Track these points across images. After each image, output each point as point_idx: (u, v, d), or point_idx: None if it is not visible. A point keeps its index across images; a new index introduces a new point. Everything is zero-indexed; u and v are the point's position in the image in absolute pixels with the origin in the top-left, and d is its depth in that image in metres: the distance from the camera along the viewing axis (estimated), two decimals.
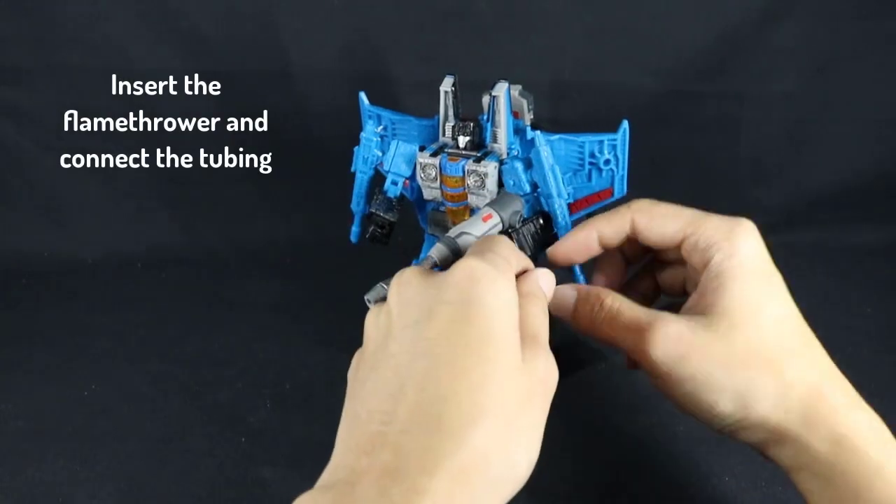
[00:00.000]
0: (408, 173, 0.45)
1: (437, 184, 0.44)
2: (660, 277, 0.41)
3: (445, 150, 0.43)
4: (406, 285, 0.29)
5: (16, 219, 0.76)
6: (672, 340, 0.32)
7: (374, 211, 0.46)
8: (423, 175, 0.44)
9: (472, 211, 0.45)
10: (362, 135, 0.47)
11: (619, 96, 0.74)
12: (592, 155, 0.41)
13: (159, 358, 0.59)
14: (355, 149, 0.47)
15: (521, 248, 0.40)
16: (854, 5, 0.70)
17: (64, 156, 0.75)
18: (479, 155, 0.42)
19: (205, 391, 0.55)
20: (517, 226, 0.41)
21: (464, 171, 0.43)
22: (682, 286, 0.38)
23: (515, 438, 0.26)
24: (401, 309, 0.29)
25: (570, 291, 0.37)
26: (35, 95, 0.72)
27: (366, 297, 0.33)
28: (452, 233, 0.38)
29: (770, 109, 0.75)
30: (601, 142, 0.41)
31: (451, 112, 0.43)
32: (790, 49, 0.72)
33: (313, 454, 0.49)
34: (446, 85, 0.43)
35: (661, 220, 0.35)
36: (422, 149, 0.44)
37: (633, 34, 0.72)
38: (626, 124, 0.41)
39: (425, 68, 0.72)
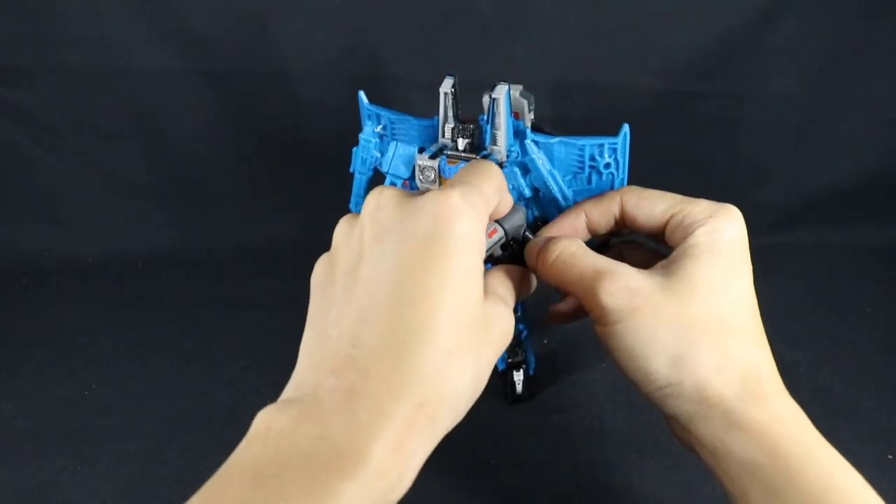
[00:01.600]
0: (406, 175, 0.45)
1: (437, 186, 0.44)
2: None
3: (445, 152, 0.43)
4: (383, 209, 0.29)
5: (16, 219, 0.76)
6: (628, 291, 0.32)
7: None
8: (421, 177, 0.43)
9: None
10: (361, 135, 0.47)
11: (619, 96, 0.74)
12: (592, 158, 0.41)
13: (159, 358, 0.59)
14: (354, 149, 0.47)
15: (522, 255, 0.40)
16: (854, 5, 0.70)
17: (64, 156, 0.75)
18: (478, 157, 0.42)
19: (205, 391, 0.55)
20: (520, 237, 0.40)
21: None
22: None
23: (474, 376, 0.28)
24: (375, 231, 0.29)
25: (538, 241, 0.37)
26: (35, 95, 0.72)
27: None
28: None
29: (770, 109, 0.75)
30: (601, 145, 0.41)
31: (450, 113, 0.43)
32: (790, 49, 0.72)
33: None
34: (446, 86, 0.42)
35: (649, 202, 0.36)
36: (421, 150, 0.44)
37: (633, 34, 0.72)
38: (626, 128, 0.40)
39: (425, 68, 0.72)
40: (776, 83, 0.74)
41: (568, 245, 0.35)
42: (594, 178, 0.42)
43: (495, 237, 0.38)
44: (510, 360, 0.53)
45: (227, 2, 0.69)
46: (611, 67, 0.73)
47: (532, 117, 0.43)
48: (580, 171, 0.42)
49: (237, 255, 0.74)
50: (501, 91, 0.40)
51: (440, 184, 0.43)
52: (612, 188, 0.41)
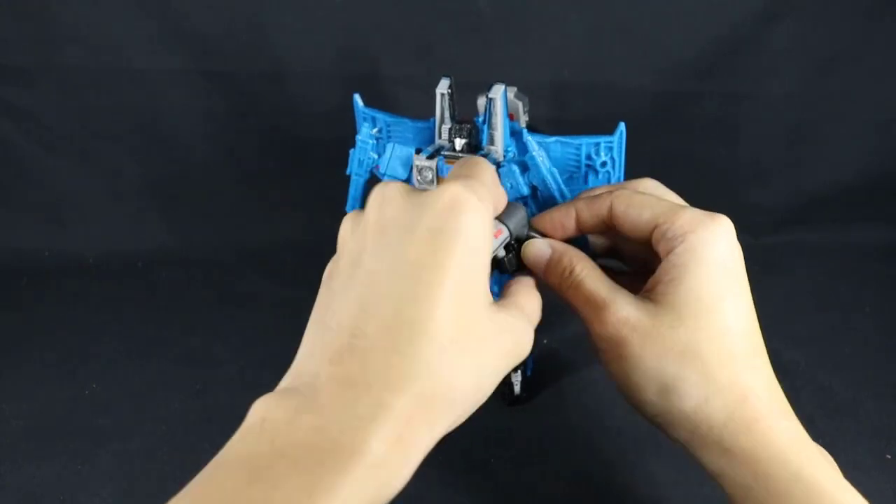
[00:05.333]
0: (404, 176, 0.45)
1: (434, 186, 0.44)
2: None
3: (442, 152, 0.43)
4: (388, 202, 0.29)
5: (16, 219, 0.76)
6: (620, 324, 0.32)
7: None
8: (419, 178, 0.43)
9: None
10: (357, 137, 0.47)
11: (619, 96, 0.74)
12: (589, 157, 0.41)
13: (159, 358, 0.59)
14: (350, 151, 0.47)
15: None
16: (854, 5, 0.70)
17: (64, 156, 0.75)
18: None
19: (205, 391, 0.55)
20: (524, 237, 0.40)
21: None
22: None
23: (475, 379, 0.28)
24: (380, 225, 0.29)
25: (545, 248, 0.37)
26: (35, 95, 0.72)
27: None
28: None
29: (770, 109, 0.75)
30: (597, 144, 0.41)
31: (447, 114, 0.43)
32: (790, 49, 0.72)
33: None
34: (442, 87, 0.42)
35: (636, 209, 0.34)
36: (418, 151, 0.44)
37: (632, 34, 0.72)
38: (622, 127, 0.41)
39: (424, 69, 0.72)
40: (776, 83, 0.74)
41: (579, 272, 0.35)
42: (591, 177, 0.42)
43: (501, 237, 0.38)
44: None
45: (227, 2, 0.69)
46: (611, 67, 0.73)
47: (527, 118, 0.44)
48: (577, 170, 0.42)
49: (237, 255, 0.74)
50: (498, 91, 0.40)
51: (438, 184, 0.43)
52: None
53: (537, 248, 0.37)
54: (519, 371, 0.53)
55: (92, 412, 0.54)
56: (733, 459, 0.31)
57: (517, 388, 0.53)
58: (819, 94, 0.74)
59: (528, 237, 0.39)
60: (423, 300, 0.26)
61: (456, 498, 0.46)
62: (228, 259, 0.73)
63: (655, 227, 0.33)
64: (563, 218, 0.37)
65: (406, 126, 0.45)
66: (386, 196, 0.30)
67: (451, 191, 0.28)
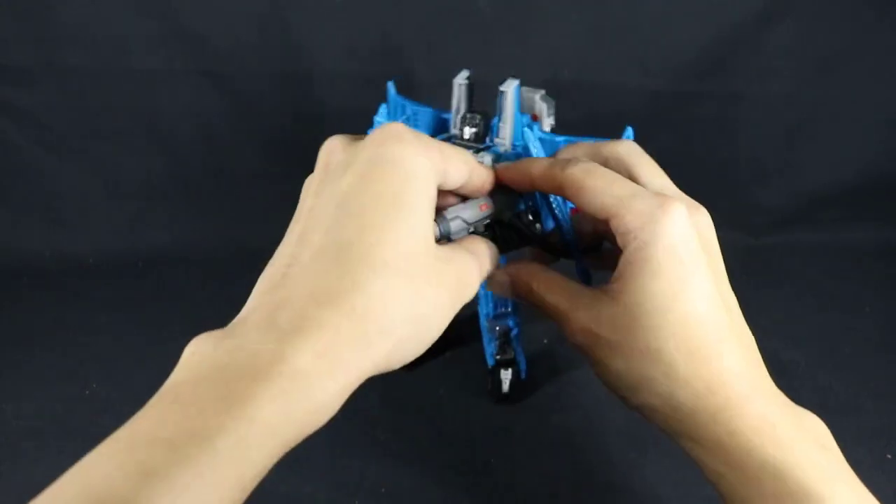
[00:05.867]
0: None
1: None
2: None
3: (452, 140, 0.44)
4: (331, 151, 0.31)
5: (16, 219, 0.76)
6: (581, 333, 0.33)
7: None
8: None
9: None
10: (376, 118, 0.47)
11: (619, 96, 0.74)
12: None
13: (159, 358, 0.59)
14: (368, 132, 0.47)
15: (505, 240, 0.40)
16: (854, 5, 0.70)
17: (64, 156, 0.75)
18: (479, 147, 0.43)
19: None
20: (506, 221, 0.41)
21: None
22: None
23: (412, 308, 0.27)
24: (325, 170, 0.30)
25: (503, 277, 0.37)
26: (35, 95, 0.72)
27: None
28: (448, 213, 0.38)
29: (769, 109, 0.75)
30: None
31: (462, 105, 0.44)
32: (790, 49, 0.72)
33: (313, 454, 0.49)
34: (460, 78, 0.44)
35: (588, 196, 0.33)
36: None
37: (633, 34, 0.72)
38: (630, 131, 0.42)
39: (425, 68, 0.72)
40: (776, 83, 0.74)
41: (536, 288, 0.35)
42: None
43: (486, 211, 0.38)
44: (499, 357, 0.53)
45: (228, 2, 0.69)
46: (611, 67, 0.73)
47: (552, 122, 0.44)
48: None
49: (237, 255, 0.74)
50: (510, 85, 0.41)
51: None
52: None
53: (498, 279, 0.38)
54: (510, 370, 0.53)
55: (92, 412, 0.54)
56: (704, 448, 0.31)
57: (506, 387, 0.53)
58: (819, 94, 0.74)
59: (512, 223, 0.39)
60: (353, 223, 0.26)
61: (456, 498, 0.46)
62: (228, 259, 0.73)
63: (609, 219, 0.33)
64: (521, 175, 0.36)
65: (428, 115, 0.46)
66: (331, 145, 0.31)
67: (390, 126, 0.29)
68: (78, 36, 0.70)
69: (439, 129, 0.46)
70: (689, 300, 0.30)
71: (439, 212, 0.39)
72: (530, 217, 0.41)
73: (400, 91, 0.48)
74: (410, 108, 0.47)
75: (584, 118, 0.75)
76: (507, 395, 0.53)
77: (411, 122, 0.47)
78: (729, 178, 0.78)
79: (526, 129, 0.43)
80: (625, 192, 0.32)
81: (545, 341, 0.60)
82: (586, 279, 0.39)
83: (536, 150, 0.42)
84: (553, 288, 0.35)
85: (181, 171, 0.77)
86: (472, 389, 0.55)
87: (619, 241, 0.32)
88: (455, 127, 0.44)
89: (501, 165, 0.39)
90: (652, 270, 0.30)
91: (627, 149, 0.37)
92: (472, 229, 0.38)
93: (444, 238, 0.37)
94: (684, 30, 0.71)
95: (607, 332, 0.32)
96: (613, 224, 0.32)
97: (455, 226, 0.38)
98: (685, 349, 0.30)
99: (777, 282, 0.69)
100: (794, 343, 0.58)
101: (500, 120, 0.42)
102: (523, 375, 0.54)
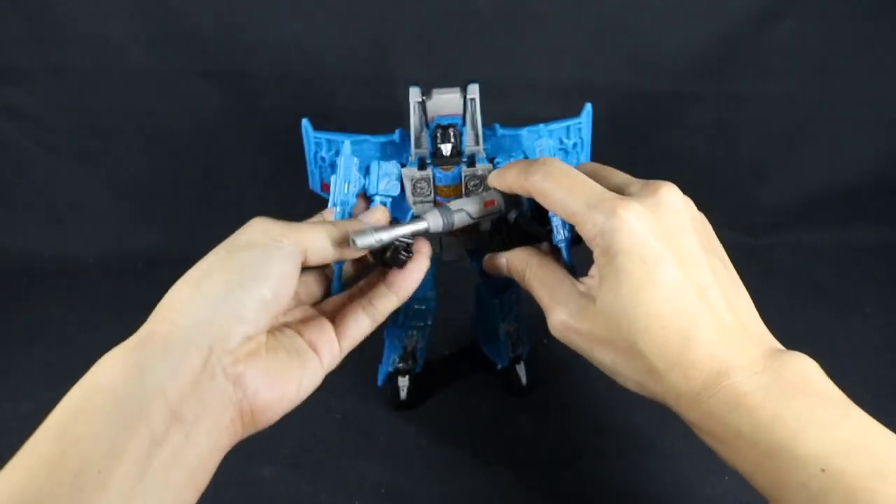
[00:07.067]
0: (397, 192, 0.42)
1: (432, 197, 0.42)
2: None
3: (427, 161, 0.42)
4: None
5: (16, 219, 0.76)
6: (561, 327, 0.36)
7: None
8: (415, 190, 0.42)
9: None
10: (342, 162, 0.42)
11: (619, 96, 0.74)
12: (561, 140, 0.44)
13: None
14: (334, 183, 0.41)
15: (511, 238, 0.42)
16: (854, 5, 0.70)
17: (64, 156, 0.75)
18: (465, 160, 0.42)
19: None
20: (510, 220, 0.41)
21: (461, 178, 0.42)
22: None
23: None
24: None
25: (500, 261, 0.41)
26: (35, 95, 0.72)
27: (353, 238, 0.34)
28: (453, 205, 0.39)
29: (770, 110, 0.75)
30: (568, 127, 0.44)
31: (419, 123, 0.42)
32: (790, 49, 0.72)
33: (313, 454, 0.49)
34: (416, 96, 0.41)
35: (552, 203, 0.35)
36: (402, 165, 0.42)
37: (633, 35, 0.72)
38: (589, 107, 0.44)
39: (425, 69, 0.72)
40: (776, 83, 0.74)
41: (527, 273, 0.39)
42: (563, 158, 0.44)
43: (492, 208, 0.40)
44: (513, 355, 0.53)
45: (228, 2, 0.69)
46: (611, 68, 0.73)
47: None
48: (550, 154, 0.43)
49: None
50: (476, 90, 0.41)
51: (435, 193, 0.42)
52: (577, 166, 0.42)
53: (491, 263, 0.42)
54: (522, 363, 0.53)
55: None
56: (696, 427, 0.33)
57: (524, 379, 0.53)
58: (819, 94, 0.74)
59: (516, 223, 0.41)
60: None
61: (456, 498, 0.46)
62: None
63: (573, 225, 0.35)
64: (501, 184, 0.39)
65: (368, 144, 0.43)
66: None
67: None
68: (78, 36, 0.70)
69: (386, 156, 0.43)
70: (654, 297, 0.32)
71: (443, 203, 0.39)
72: (530, 213, 0.42)
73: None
74: (342, 141, 0.43)
75: None
76: (527, 388, 0.54)
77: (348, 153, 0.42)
78: (729, 178, 0.78)
79: (524, 133, 0.43)
80: (580, 202, 0.34)
81: (545, 341, 0.60)
82: (571, 270, 0.40)
83: (542, 146, 0.43)
84: (543, 277, 0.38)
85: (180, 171, 0.77)
86: (472, 390, 0.55)
87: (587, 244, 0.35)
88: (419, 146, 0.42)
89: (494, 172, 0.40)
90: (615, 273, 0.32)
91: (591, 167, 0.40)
92: (475, 220, 0.40)
93: (446, 228, 0.38)
94: (684, 30, 0.71)
95: (587, 327, 0.35)
96: (577, 230, 0.35)
97: (460, 218, 0.39)
98: (658, 344, 0.32)
99: (777, 282, 0.69)
100: (793, 343, 0.58)
101: (472, 127, 0.42)
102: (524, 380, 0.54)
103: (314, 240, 0.35)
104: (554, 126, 0.44)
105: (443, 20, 0.71)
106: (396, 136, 0.43)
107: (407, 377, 0.52)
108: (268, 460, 0.48)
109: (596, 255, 0.34)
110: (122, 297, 0.68)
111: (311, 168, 0.47)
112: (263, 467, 0.48)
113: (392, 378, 0.52)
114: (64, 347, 0.61)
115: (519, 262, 0.40)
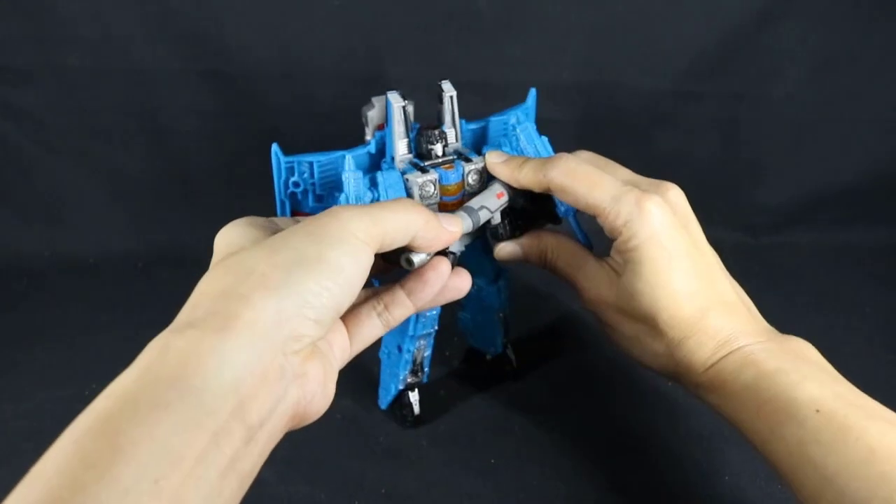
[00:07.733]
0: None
1: (437, 198, 0.42)
2: None
3: (422, 164, 0.42)
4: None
5: (16, 219, 0.76)
6: (592, 302, 0.41)
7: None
8: (422, 194, 0.41)
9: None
10: (349, 178, 0.41)
11: (619, 96, 0.74)
12: (511, 125, 0.46)
13: None
14: (344, 202, 0.40)
15: (520, 224, 0.44)
16: (854, 5, 0.70)
17: (64, 156, 0.75)
18: (456, 156, 0.42)
19: None
20: (518, 207, 0.43)
21: (463, 175, 0.42)
22: None
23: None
24: None
25: (513, 247, 0.44)
26: (35, 95, 0.72)
27: (407, 256, 0.36)
28: (474, 203, 0.41)
29: (770, 109, 0.75)
30: (517, 113, 0.46)
31: (402, 127, 0.41)
32: (790, 49, 0.72)
33: (313, 454, 0.49)
34: (399, 101, 0.40)
35: (573, 197, 0.39)
36: (403, 173, 0.42)
37: (633, 35, 0.72)
38: (533, 91, 0.46)
39: (425, 69, 0.72)
40: (776, 83, 0.74)
41: (549, 257, 0.43)
42: (513, 139, 0.45)
43: (503, 199, 0.42)
44: (505, 340, 0.54)
45: (228, 2, 0.69)
46: (611, 67, 0.73)
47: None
48: (505, 136, 0.46)
49: None
50: (452, 88, 0.42)
51: (440, 194, 0.42)
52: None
53: (508, 251, 0.44)
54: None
55: None
56: (703, 389, 0.37)
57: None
58: (819, 95, 0.74)
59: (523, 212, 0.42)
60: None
61: (456, 498, 0.46)
62: None
63: (596, 216, 0.39)
64: (510, 179, 0.42)
65: (363, 157, 0.43)
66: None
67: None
68: (78, 36, 0.70)
69: (367, 168, 0.43)
70: (674, 279, 0.37)
71: (465, 204, 0.41)
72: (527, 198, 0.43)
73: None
74: (316, 161, 0.42)
75: (584, 118, 0.75)
76: (518, 369, 0.55)
77: (318, 177, 0.42)
78: (729, 178, 0.78)
79: (513, 122, 0.45)
80: (605, 196, 0.38)
81: (546, 342, 0.60)
82: (589, 246, 0.44)
83: (528, 131, 0.44)
84: (566, 255, 0.43)
85: (181, 171, 0.77)
86: (472, 390, 0.55)
87: (608, 233, 0.39)
88: (404, 151, 0.42)
89: (496, 161, 0.42)
90: (640, 258, 0.37)
91: (588, 155, 0.42)
92: (495, 216, 0.42)
93: (475, 227, 0.40)
94: (684, 30, 0.71)
95: (615, 300, 0.40)
96: (600, 221, 0.39)
97: (483, 215, 0.41)
98: (677, 318, 0.37)
99: (777, 282, 0.69)
100: None
101: (453, 126, 0.42)
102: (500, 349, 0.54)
103: (395, 238, 0.33)
104: (510, 113, 0.46)
105: (443, 20, 0.71)
106: (372, 146, 0.43)
107: (416, 391, 0.50)
108: (267, 460, 0.48)
109: (620, 241, 0.38)
110: (122, 297, 0.68)
111: (281, 197, 0.44)
112: (263, 467, 0.48)
113: (400, 396, 0.50)
114: (64, 347, 0.61)
115: (536, 245, 0.44)
